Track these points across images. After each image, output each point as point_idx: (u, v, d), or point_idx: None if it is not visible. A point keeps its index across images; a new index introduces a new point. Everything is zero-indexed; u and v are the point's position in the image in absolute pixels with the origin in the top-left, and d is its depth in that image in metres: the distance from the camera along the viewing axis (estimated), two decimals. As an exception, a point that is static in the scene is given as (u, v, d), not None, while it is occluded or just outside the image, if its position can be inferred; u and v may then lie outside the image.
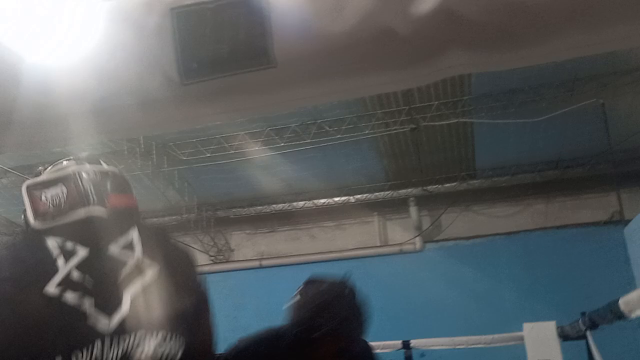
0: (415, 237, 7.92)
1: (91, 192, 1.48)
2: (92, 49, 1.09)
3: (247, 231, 8.56)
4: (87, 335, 1.28)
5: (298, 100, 1.13)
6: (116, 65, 1.08)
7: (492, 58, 0.94)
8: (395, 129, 6.45)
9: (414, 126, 6.34)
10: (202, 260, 8.47)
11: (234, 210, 8.24)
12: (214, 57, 1.01)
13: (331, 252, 8.13)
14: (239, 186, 7.70)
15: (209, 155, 6.79)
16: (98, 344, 1.28)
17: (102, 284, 1.36)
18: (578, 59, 5.45)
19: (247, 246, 8.54)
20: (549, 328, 4.96)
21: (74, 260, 1.38)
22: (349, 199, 7.90)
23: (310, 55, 0.99)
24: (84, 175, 1.49)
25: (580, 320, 4.64)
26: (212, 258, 8.46)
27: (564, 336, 4.92)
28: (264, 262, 8.32)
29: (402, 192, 7.75)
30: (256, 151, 6.73)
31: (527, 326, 5.03)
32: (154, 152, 6.77)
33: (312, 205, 8.01)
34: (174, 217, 8.03)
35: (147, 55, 1.06)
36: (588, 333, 4.63)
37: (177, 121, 1.20)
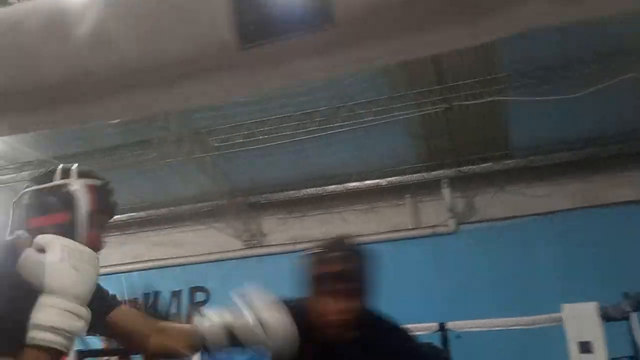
0: (449, 219, 7.82)
1: (16, 215, 1.58)
2: (132, 11, 1.01)
3: (279, 216, 8.55)
4: None
5: (360, 60, 1.06)
6: (163, 30, 1.01)
7: (568, 8, 0.87)
8: (427, 110, 6.35)
9: (447, 106, 6.22)
10: (234, 245, 8.51)
11: (265, 195, 8.24)
12: (273, 17, 0.95)
13: (364, 235, 8.08)
14: (270, 171, 7.69)
15: (240, 141, 6.79)
16: None
17: None
18: (613, 33, 5.28)
19: (280, 231, 8.54)
20: (590, 309, 4.85)
21: None
22: (381, 182, 7.83)
23: (373, 12, 0.92)
24: (20, 198, 1.60)
25: (624, 300, 4.54)
26: (245, 243, 8.49)
27: (606, 317, 4.82)
28: (297, 247, 8.32)
29: (435, 173, 7.64)
30: (287, 136, 6.71)
31: (566, 307, 4.94)
32: (185, 139, 6.79)
33: (343, 189, 7.96)
34: (206, 204, 8.09)
35: (200, 19, 1.00)
36: (632, 314, 4.54)
37: (236, 88, 1.14)
